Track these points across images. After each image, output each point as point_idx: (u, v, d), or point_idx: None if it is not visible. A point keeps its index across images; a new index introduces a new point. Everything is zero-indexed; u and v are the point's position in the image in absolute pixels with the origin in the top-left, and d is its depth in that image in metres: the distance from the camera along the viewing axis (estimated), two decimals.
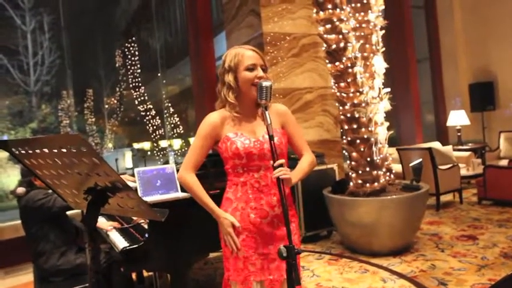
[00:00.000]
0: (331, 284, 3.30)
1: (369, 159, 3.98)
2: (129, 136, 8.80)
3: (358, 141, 4.01)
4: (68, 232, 2.88)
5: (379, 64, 4.06)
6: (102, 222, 2.87)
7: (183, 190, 2.61)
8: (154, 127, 7.10)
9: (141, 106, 7.16)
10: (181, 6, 9.12)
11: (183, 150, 7.52)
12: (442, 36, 8.63)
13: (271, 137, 1.49)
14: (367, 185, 3.95)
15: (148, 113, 7.13)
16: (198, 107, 6.90)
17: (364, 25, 4.08)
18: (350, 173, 4.13)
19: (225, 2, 5.81)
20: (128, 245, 2.29)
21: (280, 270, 1.66)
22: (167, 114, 7.29)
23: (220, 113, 1.72)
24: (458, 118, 7.50)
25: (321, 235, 4.58)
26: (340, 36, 3.95)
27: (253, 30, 5.24)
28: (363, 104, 3.96)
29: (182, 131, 7.26)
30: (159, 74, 7.74)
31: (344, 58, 3.95)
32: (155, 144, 7.27)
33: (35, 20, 7.02)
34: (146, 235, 2.29)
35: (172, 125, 7.25)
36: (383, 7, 4.16)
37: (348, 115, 4.05)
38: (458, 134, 7.50)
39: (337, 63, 4.02)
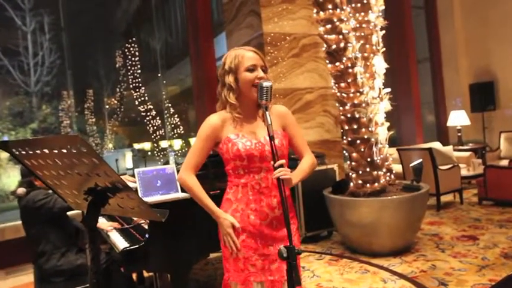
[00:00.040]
0: (331, 285, 3.30)
1: (369, 159, 3.97)
2: (129, 136, 8.80)
3: (358, 141, 4.01)
4: (69, 233, 2.89)
5: (380, 64, 4.06)
6: (102, 222, 2.86)
7: (183, 190, 2.61)
8: (155, 127, 7.11)
9: (142, 106, 7.16)
10: (181, 7, 9.13)
11: (184, 150, 7.51)
12: (442, 37, 8.63)
13: (271, 138, 1.49)
14: (368, 185, 3.95)
15: (148, 114, 7.13)
16: (198, 108, 6.90)
17: (364, 25, 4.08)
18: (350, 174, 4.13)
19: (225, 3, 5.81)
20: (128, 245, 2.29)
21: (281, 271, 1.66)
22: (167, 115, 7.29)
23: (221, 114, 1.72)
24: (458, 118, 7.50)
25: (322, 235, 4.58)
26: (341, 37, 3.95)
27: (253, 30, 5.24)
28: (363, 105, 3.96)
29: (182, 132, 7.26)
30: (159, 75, 7.75)
31: (344, 58, 3.95)
32: (155, 145, 7.27)
33: (35, 21, 7.03)
34: (146, 235, 2.28)
35: (173, 126, 7.25)
36: (383, 7, 4.17)
37: (348, 115, 4.05)
38: (459, 134, 7.50)
39: (337, 64, 4.02)
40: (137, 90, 7.24)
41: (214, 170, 2.65)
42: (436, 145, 6.35)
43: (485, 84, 7.74)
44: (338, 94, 4.13)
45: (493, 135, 7.70)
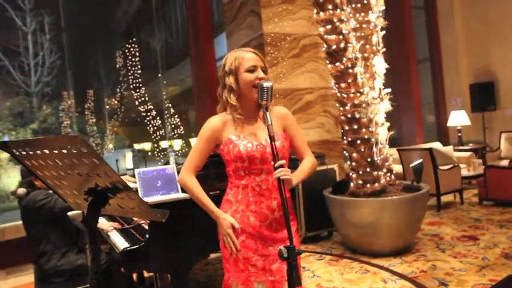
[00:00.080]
0: (331, 285, 3.30)
1: (369, 159, 3.97)
2: (129, 137, 8.79)
3: (358, 141, 4.01)
4: (69, 233, 2.89)
5: (380, 64, 4.06)
6: (102, 222, 2.87)
7: (183, 191, 2.61)
8: (155, 128, 7.10)
9: (142, 107, 7.16)
10: (181, 7, 9.13)
11: (184, 151, 7.51)
12: (442, 37, 8.63)
13: (271, 138, 1.49)
14: (368, 185, 3.95)
15: (148, 114, 7.13)
16: (199, 108, 6.90)
17: (364, 25, 4.08)
18: (350, 174, 4.13)
19: (226, 3, 5.81)
20: (128, 245, 2.29)
21: (282, 272, 1.66)
22: (168, 115, 7.29)
23: (221, 116, 1.73)
24: (459, 118, 7.50)
25: (322, 236, 4.58)
26: (341, 37, 3.95)
27: (253, 31, 5.24)
28: (364, 105, 3.96)
29: (183, 132, 7.25)
30: (159, 75, 7.74)
31: (344, 59, 3.95)
32: (156, 145, 7.27)
33: (35, 21, 7.03)
34: (147, 236, 2.29)
35: (173, 126, 7.24)
36: (383, 7, 4.17)
37: (349, 116, 4.05)
38: (459, 134, 7.49)
39: (337, 64, 4.02)
40: (137, 90, 7.24)
41: (214, 171, 2.66)
42: (437, 145, 6.35)
43: (485, 84, 7.73)
44: (338, 94, 4.13)
45: (493, 136, 7.69)
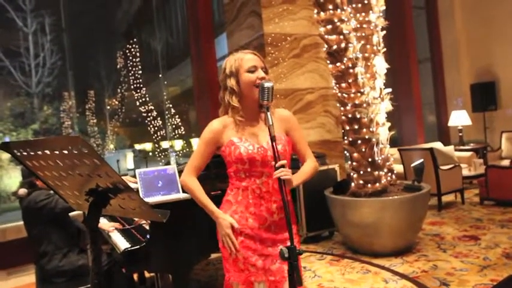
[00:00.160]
0: (332, 285, 3.29)
1: (370, 159, 3.97)
2: (130, 137, 8.80)
3: (359, 141, 4.01)
4: (70, 233, 2.89)
5: (380, 64, 4.06)
6: (104, 223, 2.87)
7: (184, 191, 2.61)
8: (156, 128, 7.11)
9: (143, 107, 7.16)
10: (182, 8, 9.13)
11: (185, 151, 7.51)
12: (443, 37, 8.62)
13: (272, 138, 1.49)
14: (369, 185, 3.95)
15: (149, 114, 7.13)
16: (199, 108, 6.90)
17: (365, 25, 4.08)
18: (351, 174, 4.13)
19: (226, 3, 5.81)
20: (129, 246, 2.29)
21: (282, 272, 1.66)
22: (168, 115, 7.29)
23: (223, 119, 1.75)
24: (459, 118, 7.49)
25: (323, 236, 4.58)
26: (341, 37, 3.95)
27: (254, 31, 5.24)
28: (364, 105, 3.96)
29: (183, 132, 7.25)
30: (160, 75, 7.74)
31: (345, 59, 3.95)
32: (157, 145, 7.27)
33: (36, 22, 7.03)
34: (148, 236, 2.29)
35: (174, 126, 7.25)
36: (384, 7, 4.17)
37: (349, 116, 4.04)
38: (460, 134, 7.49)
39: (338, 64, 4.02)
40: (138, 91, 7.24)
41: (215, 171, 2.66)
42: (437, 145, 6.34)
43: (486, 84, 7.73)
44: (339, 94, 4.13)
45: (494, 135, 7.69)
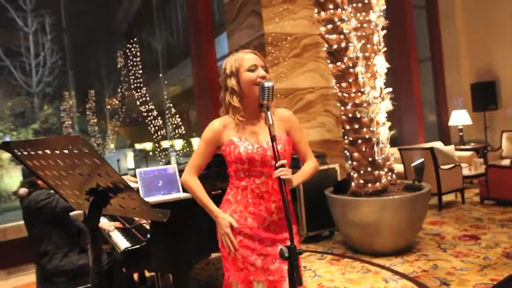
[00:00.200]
0: (333, 284, 3.29)
1: (370, 159, 3.97)
2: (130, 137, 8.79)
3: (359, 141, 4.01)
4: (71, 233, 2.89)
5: (381, 64, 4.06)
6: (104, 222, 2.87)
7: (184, 190, 2.61)
8: (156, 128, 7.10)
9: (143, 107, 7.16)
10: (182, 7, 9.13)
11: (185, 150, 7.51)
12: (443, 36, 8.61)
13: (272, 138, 1.49)
14: (369, 185, 3.95)
15: (150, 114, 7.13)
16: (200, 108, 6.90)
17: (365, 25, 4.08)
18: (352, 173, 4.13)
19: (226, 3, 5.81)
20: (130, 245, 2.29)
21: (281, 272, 1.66)
22: (169, 115, 7.29)
23: (223, 119, 1.75)
24: (460, 118, 7.49)
25: (323, 235, 4.58)
26: (342, 36, 3.95)
27: (254, 30, 5.24)
28: (365, 104, 3.96)
29: (184, 132, 7.25)
30: (160, 75, 7.74)
31: (345, 58, 3.95)
32: (157, 145, 7.27)
33: (36, 22, 7.03)
34: (148, 235, 2.29)
35: (174, 126, 7.24)
36: (384, 7, 4.17)
37: (350, 115, 4.04)
38: (460, 133, 7.49)
39: (338, 63, 4.02)
40: (138, 90, 7.24)
41: (216, 170, 2.66)
42: (438, 145, 6.34)
43: (486, 83, 7.72)
44: (339, 94, 4.13)
45: (494, 135, 7.68)
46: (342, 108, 4.14)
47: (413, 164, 4.34)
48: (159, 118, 7.17)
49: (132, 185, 2.25)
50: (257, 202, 1.68)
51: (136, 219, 2.59)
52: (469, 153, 6.68)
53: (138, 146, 8.62)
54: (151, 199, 2.51)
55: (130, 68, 7.30)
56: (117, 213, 1.60)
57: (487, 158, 6.55)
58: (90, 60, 8.42)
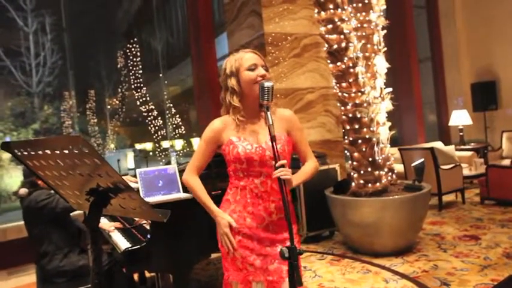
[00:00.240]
0: (333, 285, 3.29)
1: (370, 159, 3.97)
2: (131, 137, 8.80)
3: (360, 141, 4.01)
4: (71, 233, 2.89)
5: (381, 64, 4.06)
6: (104, 223, 2.87)
7: (185, 191, 2.61)
8: (156, 128, 7.10)
9: (143, 107, 7.16)
10: (182, 7, 9.13)
11: (185, 150, 7.52)
12: (444, 36, 8.61)
13: (272, 138, 1.49)
14: (369, 185, 3.95)
15: (150, 114, 7.13)
16: (200, 108, 6.91)
17: (365, 25, 4.08)
18: (352, 173, 4.13)
19: (226, 3, 5.81)
20: (130, 245, 2.29)
21: (280, 272, 1.66)
22: (169, 115, 7.29)
23: (224, 118, 1.75)
24: (460, 118, 7.49)
25: (323, 235, 4.58)
26: (342, 36, 3.95)
27: (254, 30, 5.24)
28: (365, 104, 3.96)
29: (184, 132, 7.25)
30: (160, 75, 7.74)
31: (345, 58, 3.95)
32: (157, 145, 7.27)
33: (37, 22, 7.03)
34: (148, 236, 2.29)
35: (174, 126, 7.24)
36: (384, 7, 4.16)
37: (350, 115, 4.04)
38: (461, 133, 7.48)
39: (338, 63, 4.02)
40: (139, 90, 7.24)
41: (216, 170, 2.66)
42: (438, 145, 6.34)
43: (487, 83, 7.72)
44: (339, 94, 4.13)
45: (494, 135, 7.68)
46: (342, 108, 4.13)
47: (413, 164, 4.33)
48: (159, 118, 7.17)
49: (133, 185, 2.25)
50: (256, 202, 1.68)
51: (136, 219, 2.59)
52: (469, 153, 6.68)
53: (138, 146, 8.63)
54: (152, 199, 2.51)
55: (131, 68, 7.30)
56: (118, 214, 1.60)
57: (487, 158, 6.55)
58: (90, 60, 8.42)
